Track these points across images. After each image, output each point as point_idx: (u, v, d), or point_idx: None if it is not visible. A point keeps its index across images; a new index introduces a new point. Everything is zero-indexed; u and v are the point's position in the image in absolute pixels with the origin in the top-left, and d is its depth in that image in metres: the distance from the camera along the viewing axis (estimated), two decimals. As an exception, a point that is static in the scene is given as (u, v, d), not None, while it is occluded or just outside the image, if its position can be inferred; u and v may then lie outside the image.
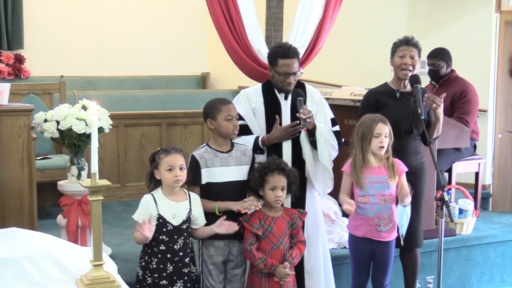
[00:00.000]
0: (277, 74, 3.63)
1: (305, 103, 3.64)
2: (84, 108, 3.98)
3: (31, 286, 2.41)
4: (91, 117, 3.31)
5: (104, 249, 3.11)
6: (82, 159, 4.02)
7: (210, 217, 3.38)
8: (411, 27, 6.63)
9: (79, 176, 3.99)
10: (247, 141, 3.63)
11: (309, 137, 3.64)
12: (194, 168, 3.40)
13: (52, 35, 7.53)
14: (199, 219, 3.34)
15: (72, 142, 3.94)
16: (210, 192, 3.42)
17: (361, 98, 4.85)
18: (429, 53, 5.32)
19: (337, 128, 3.78)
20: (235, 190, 3.45)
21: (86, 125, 3.86)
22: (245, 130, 3.67)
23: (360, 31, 7.14)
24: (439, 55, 5.27)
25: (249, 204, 3.36)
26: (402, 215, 3.58)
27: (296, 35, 5.14)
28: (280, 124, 3.64)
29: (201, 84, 8.37)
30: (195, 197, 3.35)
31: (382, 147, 3.53)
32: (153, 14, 8.12)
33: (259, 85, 3.82)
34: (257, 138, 3.63)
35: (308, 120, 3.51)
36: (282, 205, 3.49)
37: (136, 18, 8.03)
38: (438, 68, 5.25)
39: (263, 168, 3.41)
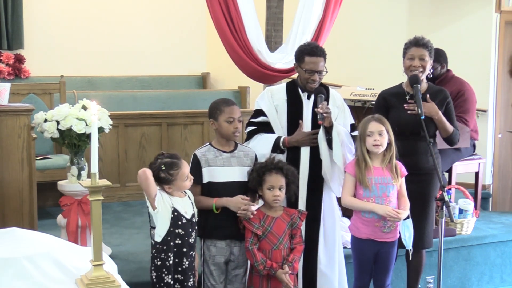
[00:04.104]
0: (303, 71, 3.69)
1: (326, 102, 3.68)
2: (84, 108, 3.98)
3: (31, 286, 2.41)
4: (91, 117, 3.31)
5: (104, 249, 3.10)
6: (82, 159, 4.02)
7: (208, 214, 3.39)
8: (411, 27, 6.63)
9: (79, 176, 3.99)
10: (268, 139, 3.68)
11: (326, 135, 3.66)
12: (195, 167, 3.41)
13: (52, 35, 7.52)
14: (196, 213, 3.35)
15: (72, 142, 3.94)
16: (210, 191, 3.43)
17: (361, 98, 4.85)
18: None
19: (356, 133, 3.78)
20: (236, 190, 3.44)
21: (86, 125, 3.86)
22: (267, 126, 3.73)
23: (360, 31, 7.13)
24: (434, 58, 5.22)
25: (244, 214, 3.37)
26: (403, 229, 3.57)
27: (296, 35, 5.14)
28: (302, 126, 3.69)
29: (201, 84, 8.36)
30: (190, 193, 3.36)
31: (376, 145, 3.52)
32: (153, 15, 8.11)
33: (283, 84, 3.89)
34: (278, 138, 3.67)
35: (324, 115, 3.55)
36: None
37: (137, 19, 8.02)
38: (433, 69, 5.21)
39: (261, 167, 3.42)
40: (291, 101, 3.75)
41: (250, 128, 3.78)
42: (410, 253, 3.68)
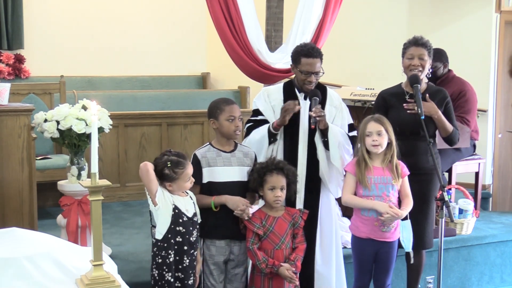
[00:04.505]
0: (300, 73, 3.68)
1: (321, 104, 3.68)
2: (84, 108, 3.98)
3: (31, 286, 2.41)
4: (91, 117, 3.31)
5: (104, 249, 3.10)
6: (82, 159, 4.02)
7: (208, 213, 3.39)
8: (411, 27, 6.63)
9: (79, 176, 3.99)
10: (262, 129, 3.67)
11: (322, 137, 3.66)
12: (195, 167, 3.40)
13: (52, 35, 7.52)
14: (198, 213, 3.35)
15: (72, 142, 3.94)
16: (211, 191, 3.43)
17: (361, 98, 4.85)
18: None
19: (354, 133, 3.80)
20: (236, 190, 3.45)
21: (86, 125, 3.86)
22: (264, 123, 3.72)
23: (360, 31, 7.14)
24: (435, 57, 5.21)
25: (240, 214, 3.37)
26: (401, 230, 3.56)
27: (296, 35, 5.14)
28: (299, 122, 3.70)
29: (201, 84, 8.36)
30: (192, 193, 3.36)
31: (375, 145, 3.53)
32: (153, 14, 8.11)
33: (281, 84, 3.88)
34: (269, 126, 3.68)
35: (318, 118, 3.55)
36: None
37: (136, 18, 8.02)
38: (435, 69, 5.20)
39: (262, 168, 3.42)
40: (287, 101, 3.74)
41: (248, 125, 3.80)
42: (411, 256, 3.67)
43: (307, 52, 3.66)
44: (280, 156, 3.68)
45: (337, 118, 3.79)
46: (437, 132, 3.91)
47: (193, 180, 3.27)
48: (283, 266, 3.35)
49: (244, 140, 3.75)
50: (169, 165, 3.17)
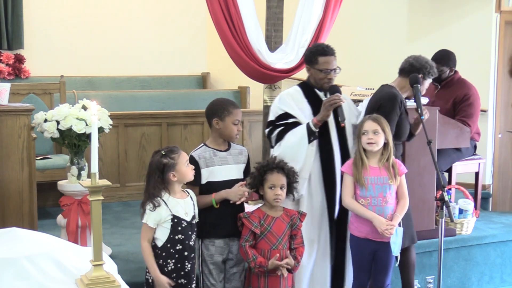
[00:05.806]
0: (319, 72, 3.72)
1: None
2: (84, 108, 3.99)
3: (31, 286, 2.41)
4: (91, 117, 3.30)
5: (104, 249, 3.11)
6: (82, 159, 4.02)
7: (206, 213, 3.40)
8: (411, 27, 6.63)
9: (79, 176, 3.99)
10: (300, 129, 3.66)
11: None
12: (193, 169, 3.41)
13: (52, 35, 7.52)
14: (197, 214, 3.35)
15: (72, 142, 3.95)
16: (210, 191, 3.45)
17: (361, 98, 4.85)
18: (433, 57, 5.14)
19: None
20: (234, 189, 3.46)
21: (86, 125, 3.86)
22: (295, 126, 3.72)
23: (360, 31, 7.13)
24: (443, 61, 5.19)
25: (241, 195, 3.39)
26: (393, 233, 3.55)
27: (296, 35, 5.14)
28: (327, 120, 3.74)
29: (201, 84, 8.36)
30: (192, 193, 3.37)
31: (370, 143, 3.54)
32: (153, 14, 8.11)
33: (296, 87, 3.88)
34: (307, 124, 3.67)
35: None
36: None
37: (136, 18, 8.02)
38: (440, 73, 5.18)
39: (262, 167, 3.44)
40: (313, 102, 3.77)
41: (279, 129, 3.73)
42: (397, 260, 3.66)
43: (323, 51, 3.72)
44: (316, 154, 3.68)
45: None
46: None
47: (193, 166, 3.28)
48: (271, 260, 3.34)
49: (278, 144, 3.70)
50: (163, 153, 3.19)
